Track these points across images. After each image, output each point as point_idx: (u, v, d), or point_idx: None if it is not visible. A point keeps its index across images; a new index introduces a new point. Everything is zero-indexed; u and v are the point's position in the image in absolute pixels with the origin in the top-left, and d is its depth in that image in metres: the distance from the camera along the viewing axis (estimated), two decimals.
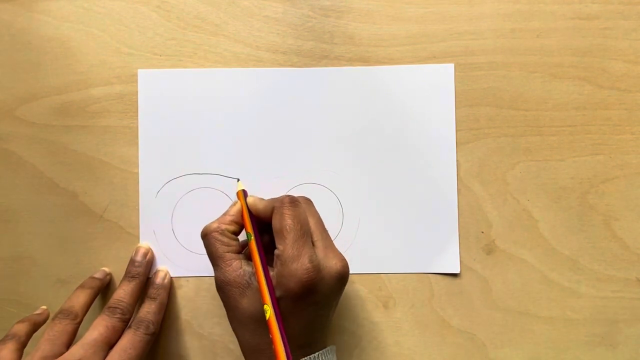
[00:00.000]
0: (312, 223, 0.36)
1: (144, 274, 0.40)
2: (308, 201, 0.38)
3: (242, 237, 0.38)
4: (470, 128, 0.42)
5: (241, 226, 0.38)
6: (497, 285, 0.41)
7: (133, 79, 0.42)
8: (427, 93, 0.42)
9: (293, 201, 0.36)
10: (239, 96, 0.42)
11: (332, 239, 0.41)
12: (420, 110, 0.42)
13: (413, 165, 0.42)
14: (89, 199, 0.42)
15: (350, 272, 0.41)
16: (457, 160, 0.42)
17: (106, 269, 0.41)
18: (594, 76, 0.41)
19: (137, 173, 0.42)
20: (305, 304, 0.34)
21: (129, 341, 0.36)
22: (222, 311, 0.41)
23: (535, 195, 0.41)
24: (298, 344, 0.34)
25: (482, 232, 0.41)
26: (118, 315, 0.37)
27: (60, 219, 0.42)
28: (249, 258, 0.36)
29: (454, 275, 0.41)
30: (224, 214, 0.38)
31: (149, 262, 0.41)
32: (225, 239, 0.36)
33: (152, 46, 0.42)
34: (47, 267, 0.42)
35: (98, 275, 0.41)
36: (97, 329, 0.36)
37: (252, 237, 0.36)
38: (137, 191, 0.42)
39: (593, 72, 0.41)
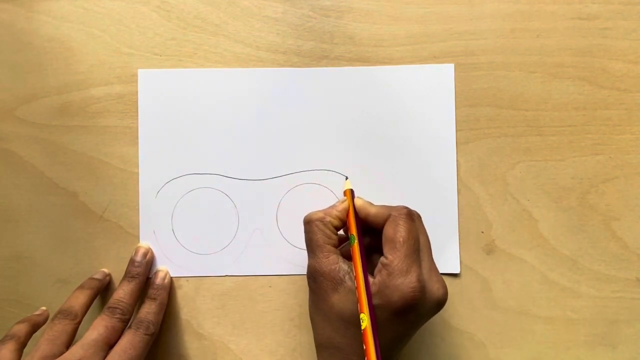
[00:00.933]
0: (422, 241, 0.36)
1: (143, 274, 0.40)
2: (420, 217, 0.37)
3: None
4: (470, 128, 0.42)
5: (344, 223, 0.37)
6: (497, 285, 0.41)
7: (133, 79, 0.42)
8: (427, 93, 0.42)
9: (410, 214, 0.35)
10: (239, 96, 0.42)
11: None
12: (420, 110, 0.42)
13: (413, 165, 0.42)
14: (89, 199, 0.42)
15: None
16: (457, 160, 0.42)
17: (105, 270, 0.41)
18: (594, 76, 0.41)
19: (137, 173, 0.42)
20: (400, 320, 0.33)
21: (128, 341, 0.36)
22: (222, 311, 0.41)
23: (535, 195, 0.41)
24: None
25: (482, 232, 0.41)
26: (118, 316, 0.37)
27: (60, 219, 0.42)
28: (345, 256, 0.36)
29: (454, 275, 0.41)
30: (331, 207, 0.37)
31: (149, 262, 0.41)
32: (328, 231, 0.36)
33: (152, 46, 0.42)
34: (47, 267, 0.42)
35: (97, 276, 0.41)
36: (96, 329, 0.36)
37: (356, 241, 0.36)
38: (137, 191, 0.42)
39: (593, 72, 0.41)
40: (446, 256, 0.41)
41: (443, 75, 0.42)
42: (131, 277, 0.39)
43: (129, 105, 0.42)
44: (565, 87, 0.42)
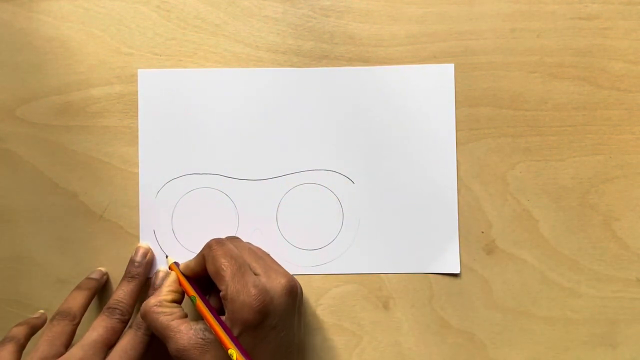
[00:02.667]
0: (245, 255, 0.36)
1: (143, 274, 0.40)
2: (234, 238, 0.38)
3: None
4: (470, 128, 0.42)
5: (181, 294, 0.37)
6: (497, 285, 0.41)
7: (133, 79, 0.42)
8: (427, 93, 0.42)
9: (218, 242, 0.36)
10: (239, 96, 0.42)
11: (332, 239, 0.41)
12: (420, 110, 0.42)
13: (413, 165, 0.42)
14: (89, 199, 0.42)
15: (350, 272, 0.41)
16: (457, 160, 0.42)
17: (102, 269, 0.41)
18: (594, 76, 0.41)
19: (137, 173, 0.42)
20: (264, 331, 0.33)
21: (129, 342, 0.36)
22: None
23: (535, 195, 0.41)
24: None
25: (482, 232, 0.41)
26: (117, 316, 0.37)
27: (60, 219, 0.42)
28: (196, 319, 0.36)
29: (454, 275, 0.41)
30: (159, 288, 0.37)
31: (149, 262, 0.41)
32: (167, 309, 0.35)
33: (152, 46, 0.42)
34: (47, 267, 0.42)
35: (94, 275, 0.41)
36: (96, 329, 0.36)
37: (197, 297, 0.36)
38: (137, 191, 0.42)
39: (593, 72, 0.41)
40: (446, 256, 0.41)
41: (443, 75, 0.42)
42: (131, 277, 0.39)
43: (129, 105, 0.42)
44: (565, 87, 0.41)
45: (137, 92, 0.42)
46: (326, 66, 0.42)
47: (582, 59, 0.41)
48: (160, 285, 0.38)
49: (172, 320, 0.35)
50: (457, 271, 0.41)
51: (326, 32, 0.42)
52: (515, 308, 0.41)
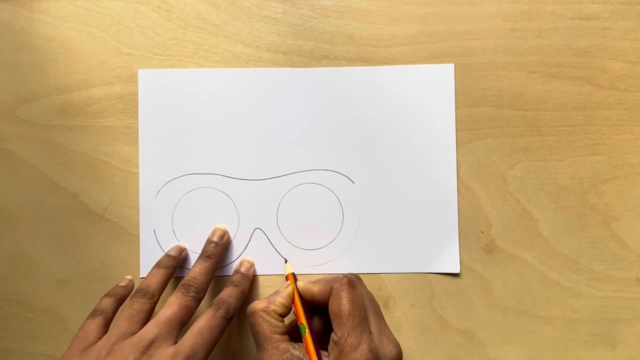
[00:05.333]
0: (367, 304, 0.36)
1: (219, 255, 0.40)
2: (360, 280, 0.38)
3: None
4: (470, 128, 0.42)
5: (289, 309, 0.37)
6: (497, 285, 0.41)
7: (133, 79, 0.42)
8: (427, 93, 0.42)
9: (351, 283, 0.36)
10: (239, 96, 0.42)
11: (332, 239, 0.42)
12: (420, 110, 0.42)
13: (413, 165, 0.42)
14: (89, 199, 0.42)
15: (350, 272, 0.41)
16: (457, 160, 0.42)
17: (181, 245, 0.41)
18: (594, 76, 0.41)
19: (137, 173, 0.42)
20: None
21: (206, 324, 0.35)
22: None
23: (535, 195, 0.41)
24: None
25: (482, 232, 0.41)
26: (192, 294, 0.37)
27: (60, 219, 0.42)
28: (293, 339, 0.36)
29: (454, 275, 0.41)
30: (274, 294, 0.37)
31: (226, 244, 0.41)
32: (273, 321, 0.36)
33: (152, 46, 0.42)
34: (47, 267, 0.42)
35: (173, 252, 0.41)
36: (171, 307, 0.36)
37: (307, 330, 0.36)
38: (137, 191, 0.42)
39: (593, 72, 0.41)
40: (446, 256, 0.41)
41: (443, 75, 0.42)
42: (207, 257, 0.39)
43: (129, 105, 0.42)
44: (565, 87, 0.42)
45: (137, 92, 0.42)
46: (326, 66, 0.42)
47: (582, 59, 0.41)
48: (275, 293, 0.38)
49: (275, 333, 0.35)
50: (457, 271, 0.41)
51: (326, 32, 0.42)
52: (515, 308, 0.41)
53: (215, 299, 0.37)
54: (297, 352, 0.35)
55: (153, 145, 0.42)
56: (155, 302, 0.37)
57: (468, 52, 0.42)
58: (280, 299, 0.37)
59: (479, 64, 0.42)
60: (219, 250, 0.40)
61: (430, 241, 0.41)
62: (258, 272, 0.42)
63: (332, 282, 0.36)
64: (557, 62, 0.42)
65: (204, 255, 0.39)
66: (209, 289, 0.39)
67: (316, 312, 0.38)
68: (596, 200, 0.41)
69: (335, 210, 0.42)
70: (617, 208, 0.41)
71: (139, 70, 0.42)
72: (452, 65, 0.42)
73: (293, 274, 0.39)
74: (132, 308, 0.36)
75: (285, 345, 0.35)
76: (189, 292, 0.37)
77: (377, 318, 0.36)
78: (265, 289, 0.42)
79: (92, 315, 0.37)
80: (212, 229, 0.41)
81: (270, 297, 0.37)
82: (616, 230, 0.41)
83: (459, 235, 0.41)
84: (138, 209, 0.42)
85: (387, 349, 0.35)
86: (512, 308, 0.41)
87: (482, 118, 0.42)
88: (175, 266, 0.40)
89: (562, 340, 0.41)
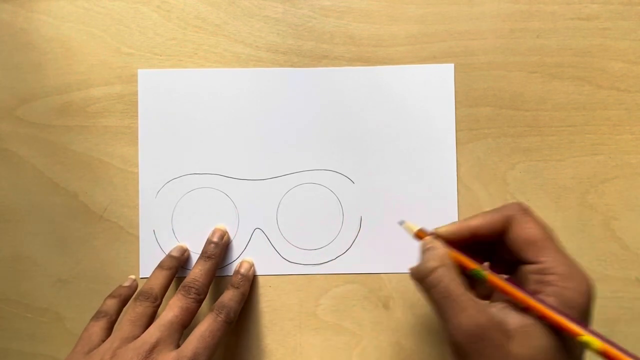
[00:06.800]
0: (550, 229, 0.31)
1: (219, 255, 0.40)
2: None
3: None
4: (470, 128, 0.42)
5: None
6: None
7: (133, 79, 0.42)
8: (427, 93, 0.42)
9: (528, 208, 0.31)
10: (239, 96, 0.42)
11: (332, 239, 0.42)
12: (420, 110, 0.42)
13: (413, 165, 0.42)
14: (89, 199, 0.42)
15: (350, 272, 0.41)
16: (457, 160, 0.42)
17: (183, 245, 0.41)
18: (594, 76, 0.41)
19: (137, 173, 0.42)
20: (588, 320, 0.29)
21: (207, 328, 0.35)
22: None
23: (535, 195, 0.41)
24: None
25: None
26: (193, 296, 0.37)
27: (60, 219, 0.42)
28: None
29: None
30: (429, 251, 0.31)
31: (226, 244, 0.41)
32: (456, 277, 0.29)
33: (152, 46, 0.42)
34: (47, 267, 0.42)
35: (175, 253, 0.41)
36: (172, 310, 0.36)
37: (486, 272, 0.30)
38: (137, 191, 0.42)
39: (593, 72, 0.41)
40: None
41: (443, 75, 0.42)
42: (207, 257, 0.39)
43: (129, 105, 0.42)
44: (565, 87, 0.42)
45: (137, 92, 0.42)
46: (326, 66, 0.42)
47: (582, 59, 0.41)
48: (428, 251, 0.31)
49: (460, 288, 0.29)
50: None
51: (326, 32, 0.42)
52: None
53: (216, 302, 0.37)
54: (501, 305, 0.29)
55: (153, 145, 0.42)
56: (158, 305, 0.37)
57: (468, 52, 0.42)
58: (441, 251, 0.31)
59: (479, 64, 0.42)
60: (219, 250, 0.40)
61: None
62: (258, 272, 0.42)
63: (502, 212, 0.31)
64: (557, 62, 0.42)
65: (204, 255, 0.39)
66: (209, 289, 0.39)
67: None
68: (596, 200, 0.41)
69: (335, 210, 0.42)
70: (617, 208, 0.41)
71: (139, 70, 0.42)
72: (452, 65, 0.42)
73: (420, 228, 0.33)
74: (135, 312, 0.36)
75: (481, 302, 0.28)
76: (189, 294, 0.37)
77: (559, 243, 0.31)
78: (265, 289, 0.42)
79: (96, 317, 0.37)
80: (212, 229, 0.41)
81: (427, 255, 0.31)
82: (616, 231, 0.41)
83: None
84: (138, 209, 0.42)
85: (584, 273, 0.29)
86: None
87: (482, 118, 0.42)
88: (177, 267, 0.40)
89: None
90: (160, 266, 0.39)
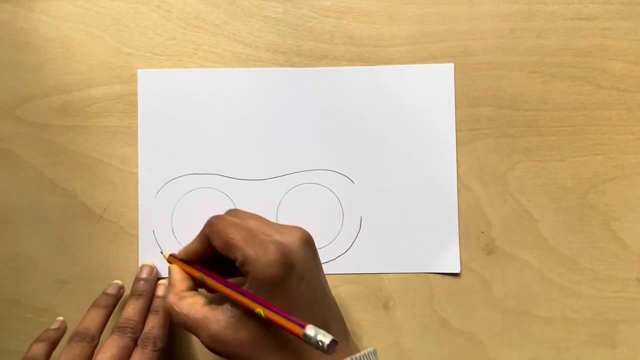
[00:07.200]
0: (250, 222, 0.35)
1: (150, 291, 0.40)
2: (233, 210, 0.37)
3: None
4: (470, 128, 0.42)
5: (192, 282, 0.36)
6: (497, 285, 0.41)
7: (133, 79, 0.42)
8: (427, 93, 0.42)
9: (218, 216, 0.35)
10: (239, 96, 0.42)
11: (332, 239, 0.42)
12: (420, 110, 0.42)
13: (413, 165, 0.42)
14: (89, 199, 0.42)
15: (350, 272, 0.41)
16: (457, 160, 0.42)
17: (119, 282, 0.41)
18: (594, 76, 0.41)
19: (137, 173, 0.42)
20: (293, 284, 0.32)
21: None
22: None
23: (535, 195, 0.41)
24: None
25: (482, 232, 0.41)
26: (129, 335, 0.37)
27: (60, 219, 0.42)
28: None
29: (454, 275, 0.41)
30: (170, 283, 0.36)
31: (155, 279, 0.40)
32: (189, 299, 0.34)
33: (152, 46, 0.42)
34: (47, 267, 0.42)
35: (111, 290, 0.40)
36: (109, 349, 0.35)
37: (205, 276, 0.35)
38: (137, 191, 0.42)
39: (593, 72, 0.41)
40: (446, 256, 0.41)
41: (443, 75, 0.42)
42: (138, 295, 0.39)
43: (129, 105, 0.42)
44: (565, 87, 0.42)
45: (137, 92, 0.42)
46: (326, 66, 0.42)
47: (582, 59, 0.41)
48: (170, 281, 0.36)
49: (196, 310, 0.33)
50: (457, 271, 0.41)
51: (326, 32, 0.42)
52: (515, 308, 0.41)
53: (141, 335, 0.37)
54: (224, 306, 0.33)
55: (152, 145, 0.42)
56: (95, 345, 0.36)
57: (468, 52, 0.42)
58: (176, 276, 0.36)
59: (479, 64, 0.42)
60: (150, 286, 0.40)
61: (430, 241, 0.41)
62: None
63: (202, 232, 0.35)
64: (557, 62, 0.42)
65: (134, 294, 0.39)
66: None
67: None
68: (596, 201, 0.41)
69: (335, 210, 0.42)
70: (617, 208, 0.41)
71: (139, 70, 0.42)
72: (452, 65, 0.42)
73: (172, 254, 0.38)
74: (70, 353, 0.35)
75: (211, 311, 0.33)
76: (125, 334, 0.36)
77: (268, 223, 0.35)
78: None
79: None
80: (140, 266, 0.41)
81: (169, 287, 0.35)
82: (616, 231, 0.41)
83: (459, 236, 0.41)
84: (137, 209, 0.42)
85: (290, 234, 0.33)
86: (512, 308, 0.41)
87: (482, 118, 0.42)
88: (114, 305, 0.39)
89: (562, 340, 0.41)
90: (95, 305, 0.39)
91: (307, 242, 0.34)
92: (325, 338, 0.28)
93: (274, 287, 0.32)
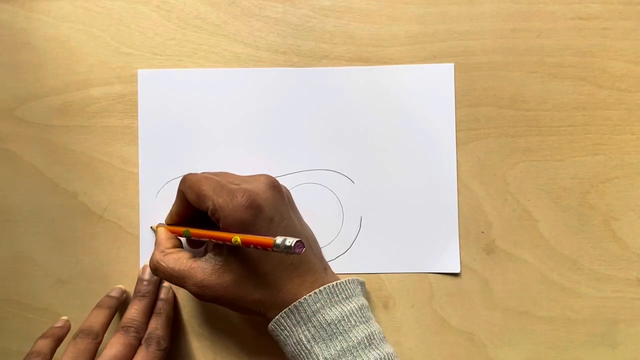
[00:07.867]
0: (220, 176, 0.37)
1: (153, 292, 0.40)
2: (205, 172, 0.39)
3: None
4: (470, 128, 0.42)
5: (179, 240, 0.39)
6: (497, 285, 0.41)
7: (133, 79, 0.42)
8: (427, 93, 0.42)
9: (189, 173, 0.37)
10: (239, 96, 0.42)
11: (332, 239, 0.42)
12: (420, 110, 0.42)
13: (413, 165, 0.42)
14: (89, 199, 0.42)
15: (350, 272, 0.41)
16: (457, 160, 0.42)
17: (122, 287, 0.41)
18: (594, 76, 0.41)
19: (137, 173, 0.42)
20: (262, 225, 0.34)
21: (142, 358, 0.36)
22: (222, 311, 0.41)
23: (535, 195, 0.41)
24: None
25: (482, 232, 0.41)
26: (132, 334, 0.37)
27: (60, 219, 0.42)
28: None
29: (454, 275, 0.41)
30: (157, 244, 0.38)
31: (157, 279, 0.41)
32: (174, 255, 0.37)
33: (152, 46, 0.42)
34: (47, 267, 0.42)
35: (114, 293, 0.41)
36: (114, 346, 0.36)
37: (189, 229, 0.37)
38: (137, 191, 0.42)
39: (593, 72, 0.41)
40: (446, 256, 0.41)
41: (443, 75, 0.42)
42: (142, 296, 0.39)
43: (129, 105, 0.42)
44: (565, 87, 0.41)
45: (137, 92, 0.42)
46: (326, 66, 0.42)
47: (582, 59, 0.41)
48: (156, 241, 0.39)
49: (181, 263, 0.36)
50: (457, 271, 0.41)
51: (326, 32, 0.42)
52: (515, 308, 0.41)
53: (145, 334, 0.38)
54: (207, 255, 0.36)
55: (153, 145, 0.42)
56: (99, 343, 0.37)
57: (468, 52, 0.42)
58: (162, 237, 0.38)
59: (479, 64, 0.42)
60: (152, 287, 0.40)
61: (430, 241, 0.41)
62: None
63: (178, 188, 0.37)
64: (557, 62, 0.41)
65: (137, 295, 0.39)
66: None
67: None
68: (596, 201, 0.41)
69: (335, 210, 0.42)
70: (617, 208, 0.41)
71: (139, 70, 0.42)
72: (452, 65, 0.42)
73: (160, 223, 0.41)
74: (76, 348, 0.36)
75: (196, 262, 0.36)
76: (129, 333, 0.37)
77: (236, 177, 0.38)
78: None
79: (29, 358, 0.36)
80: (142, 267, 0.41)
81: (155, 246, 0.38)
82: (616, 231, 0.41)
83: (459, 236, 0.41)
84: (138, 209, 0.42)
85: (256, 181, 0.36)
86: (512, 308, 0.41)
87: (482, 118, 0.42)
88: (117, 307, 0.40)
89: (562, 340, 0.41)
90: (99, 306, 0.39)
91: (273, 185, 0.36)
92: (290, 241, 0.30)
93: (244, 229, 0.34)
